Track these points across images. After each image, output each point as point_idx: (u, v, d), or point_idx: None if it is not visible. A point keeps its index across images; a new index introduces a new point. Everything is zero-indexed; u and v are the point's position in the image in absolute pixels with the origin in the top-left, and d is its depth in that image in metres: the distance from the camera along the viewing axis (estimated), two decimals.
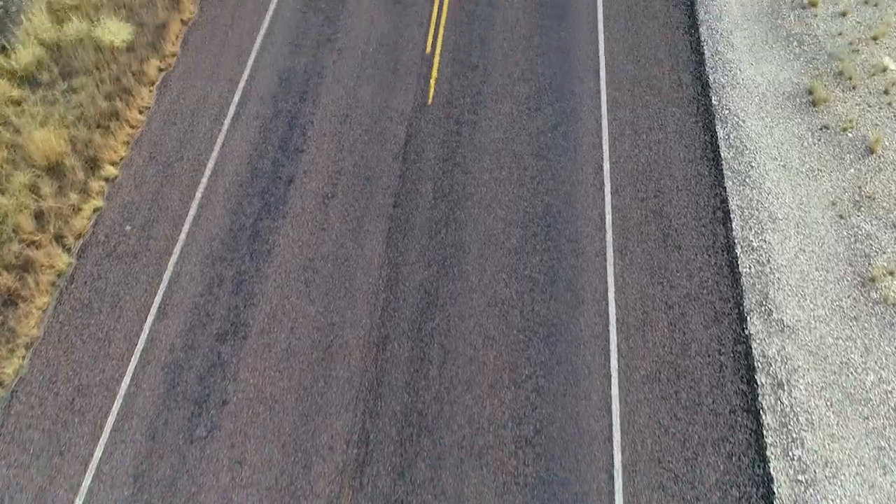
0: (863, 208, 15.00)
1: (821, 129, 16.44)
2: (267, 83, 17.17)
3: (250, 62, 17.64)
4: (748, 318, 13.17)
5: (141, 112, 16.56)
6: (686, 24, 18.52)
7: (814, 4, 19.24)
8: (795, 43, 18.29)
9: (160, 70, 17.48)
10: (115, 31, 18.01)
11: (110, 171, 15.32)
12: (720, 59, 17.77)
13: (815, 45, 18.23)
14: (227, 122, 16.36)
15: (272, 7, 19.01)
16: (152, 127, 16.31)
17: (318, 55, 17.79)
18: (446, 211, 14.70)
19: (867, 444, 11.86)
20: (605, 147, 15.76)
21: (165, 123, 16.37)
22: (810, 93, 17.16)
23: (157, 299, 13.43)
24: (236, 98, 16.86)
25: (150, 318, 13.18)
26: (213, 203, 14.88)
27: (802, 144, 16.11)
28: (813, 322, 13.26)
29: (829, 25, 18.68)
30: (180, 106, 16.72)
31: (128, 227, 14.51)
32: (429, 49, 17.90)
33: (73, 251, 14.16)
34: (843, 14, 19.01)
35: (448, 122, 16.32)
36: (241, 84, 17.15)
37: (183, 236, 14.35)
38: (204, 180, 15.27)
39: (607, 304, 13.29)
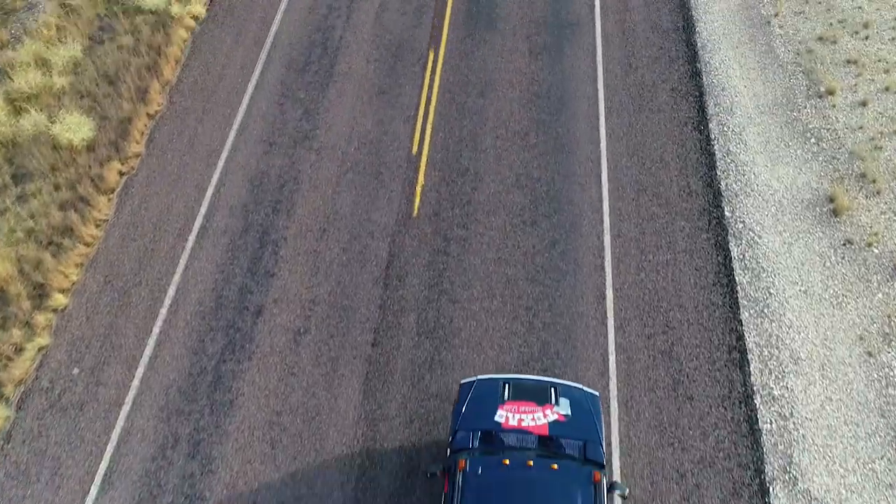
0: (893, 343, 13.51)
1: (844, 244, 14.98)
2: (237, 190, 15.70)
3: (220, 164, 16.19)
4: (771, 490, 11.63)
5: (98, 226, 15.08)
6: (695, 119, 17.08)
7: (831, 93, 17.84)
8: (813, 140, 16.87)
9: (121, 174, 16.02)
10: (74, 126, 16.57)
11: (59, 300, 13.82)
12: (732, 160, 16.33)
13: (835, 141, 16.81)
14: (191, 238, 14.89)
15: (247, 97, 17.59)
16: (109, 244, 14.83)
17: (295, 156, 16.33)
18: (431, 351, 13.19)
19: None
20: (608, 270, 14.29)
21: (124, 240, 14.89)
22: (831, 200, 15.71)
23: (103, 465, 11.88)
24: (203, 209, 15.39)
25: (93, 490, 11.63)
26: (172, 340, 13.38)
27: (825, 264, 14.64)
28: (844, 492, 11.73)
29: (849, 117, 17.27)
30: (141, 218, 15.25)
31: (75, 371, 13.01)
32: (415, 149, 16.45)
33: (11, 402, 12.63)
34: (864, 103, 17.60)
35: (435, 238, 14.84)
36: (209, 191, 15.69)
37: (136, 383, 12.84)
38: (163, 311, 13.77)
39: (612, 474, 11.76)
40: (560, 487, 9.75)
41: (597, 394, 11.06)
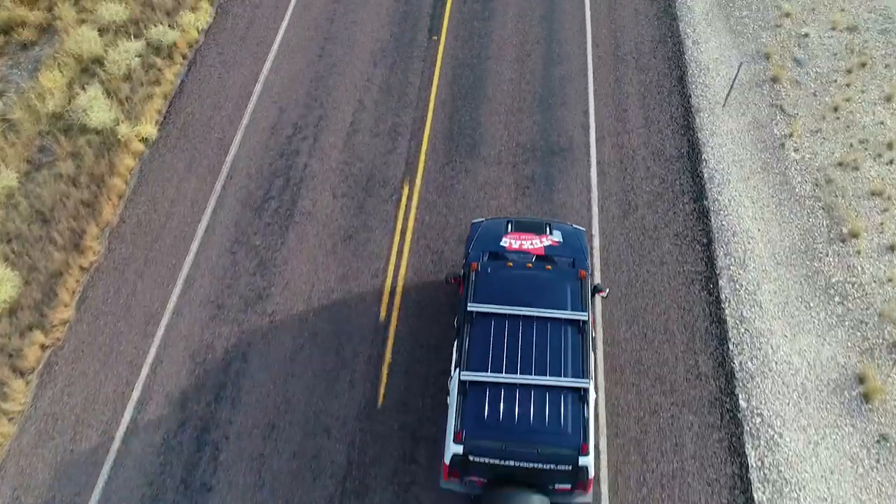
0: None
1: (878, 441, 12.88)
2: (176, 369, 13.60)
3: (159, 334, 14.10)
4: None
5: (11, 419, 12.98)
6: (703, 275, 15.02)
7: (855, 235, 15.82)
8: (837, 298, 14.81)
9: (44, 348, 13.93)
10: None
11: None
12: (747, 330, 14.25)
13: (862, 298, 14.76)
14: (118, 436, 12.76)
15: (196, 244, 15.53)
16: (23, 444, 12.71)
17: (245, 323, 14.25)
18: None
19: None
20: (604, 489, 12.15)
21: (40, 438, 12.78)
22: (861, 381, 13.63)
23: None
24: (135, 395, 13.29)
25: None
26: None
27: (857, 471, 12.52)
28: None
29: (876, 267, 15.25)
30: (63, 407, 13.14)
31: None
32: (383, 314, 14.37)
33: None
34: (892, 248, 15.60)
35: (403, 438, 12.73)
36: (144, 371, 13.59)
37: None
38: None
39: None
40: (554, 281, 12.18)
41: (583, 229, 13.94)
